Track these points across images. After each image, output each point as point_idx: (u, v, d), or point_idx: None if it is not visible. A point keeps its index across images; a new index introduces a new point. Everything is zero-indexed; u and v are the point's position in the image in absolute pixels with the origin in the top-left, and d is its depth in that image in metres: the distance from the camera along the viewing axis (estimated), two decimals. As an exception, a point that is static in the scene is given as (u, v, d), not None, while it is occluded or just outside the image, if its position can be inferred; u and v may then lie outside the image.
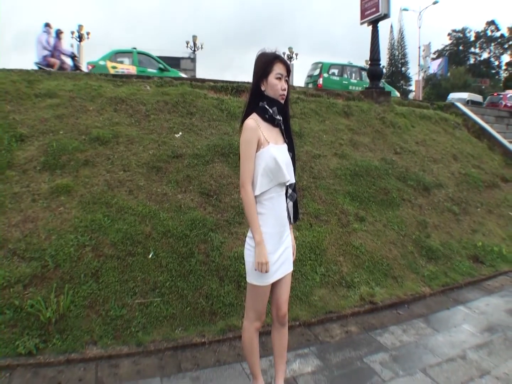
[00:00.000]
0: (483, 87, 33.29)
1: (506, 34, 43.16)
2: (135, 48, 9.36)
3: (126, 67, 8.29)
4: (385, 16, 6.40)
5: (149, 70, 8.46)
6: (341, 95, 5.82)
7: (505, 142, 6.18)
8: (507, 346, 2.25)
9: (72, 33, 16.80)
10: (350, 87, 9.68)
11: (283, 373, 1.71)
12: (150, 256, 2.54)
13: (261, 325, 1.61)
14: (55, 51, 6.95)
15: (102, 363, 1.98)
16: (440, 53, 44.57)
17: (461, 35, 46.89)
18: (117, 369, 1.94)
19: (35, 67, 6.45)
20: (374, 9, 6.43)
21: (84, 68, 7.53)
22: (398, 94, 10.21)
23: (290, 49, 19.99)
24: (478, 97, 19.92)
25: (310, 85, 9.81)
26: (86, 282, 2.31)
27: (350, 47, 71.45)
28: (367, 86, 10.46)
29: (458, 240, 3.71)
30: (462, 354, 2.16)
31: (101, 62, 8.19)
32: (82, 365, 1.96)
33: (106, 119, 3.60)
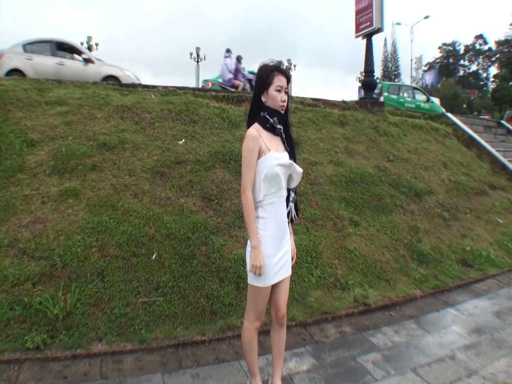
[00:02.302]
0: (472, 98, 34.00)
1: (494, 47, 44.33)
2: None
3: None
4: (379, 30, 6.60)
5: None
6: (337, 105, 5.98)
7: (493, 151, 6.34)
8: (493, 347, 2.30)
9: (82, 44, 16.97)
10: (406, 104, 10.58)
11: (280, 372, 1.75)
12: (153, 257, 2.62)
13: (260, 325, 1.65)
14: (238, 73, 7.64)
15: (107, 359, 2.03)
16: (431, 65, 45.52)
17: (451, 48, 48.08)
18: (120, 365, 2.00)
19: (219, 88, 7.18)
20: (368, 23, 6.65)
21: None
22: (443, 110, 10.85)
23: (288, 60, 20.29)
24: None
25: None
26: (92, 281, 2.38)
27: (346, 59, 72.86)
28: (419, 103, 10.86)
29: (448, 245, 3.81)
30: (451, 354, 2.21)
31: (220, 80, 8.82)
32: (87, 360, 2.02)
33: (113, 126, 3.68)
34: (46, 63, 6.12)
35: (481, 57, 46.82)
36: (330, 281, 2.92)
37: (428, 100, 11.41)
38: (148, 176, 3.23)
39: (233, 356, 2.13)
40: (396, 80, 42.45)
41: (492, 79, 44.07)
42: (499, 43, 42.69)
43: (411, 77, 28.50)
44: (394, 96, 10.85)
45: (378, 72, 42.28)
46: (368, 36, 6.69)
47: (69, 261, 2.44)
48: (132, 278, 2.48)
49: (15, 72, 5.74)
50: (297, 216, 1.73)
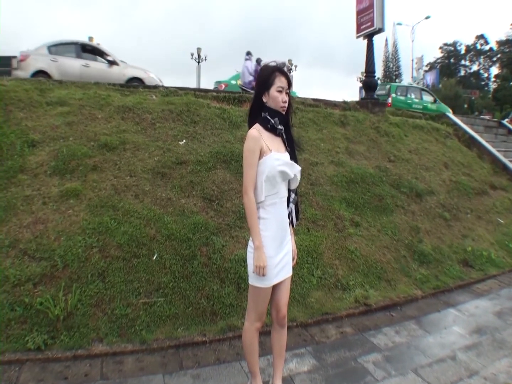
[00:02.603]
0: (473, 98, 33.99)
1: (495, 47, 44.39)
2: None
3: None
4: (380, 30, 6.61)
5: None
6: (337, 106, 5.98)
7: (493, 151, 6.34)
8: (495, 347, 2.31)
9: None
10: (413, 105, 10.68)
11: (281, 372, 1.76)
12: (154, 258, 2.62)
13: (261, 325, 1.66)
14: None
15: (107, 360, 2.04)
16: (432, 66, 45.52)
17: (452, 49, 48.13)
18: (121, 366, 2.00)
19: (239, 90, 7.36)
20: (369, 24, 6.66)
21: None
22: (450, 111, 10.96)
23: (289, 61, 20.29)
24: None
25: None
26: (93, 282, 2.38)
27: (347, 59, 72.85)
28: (426, 104, 10.98)
29: (449, 245, 3.82)
30: (452, 355, 2.22)
31: (233, 81, 9.06)
32: (88, 361, 2.02)
33: (113, 127, 3.69)
34: (72, 65, 6.18)
35: (482, 57, 46.85)
36: (331, 282, 2.93)
37: (435, 101, 11.53)
38: (149, 176, 3.24)
39: (234, 357, 2.13)
40: (397, 80, 42.48)
41: (493, 79, 44.13)
42: (500, 43, 42.72)
43: (412, 77, 28.47)
44: (402, 98, 11.02)
45: (379, 73, 42.39)
46: (369, 37, 6.69)
47: (70, 261, 2.44)
48: (133, 279, 2.48)
49: (40, 73, 5.78)
50: (298, 219, 1.74)
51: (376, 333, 2.47)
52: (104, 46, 6.92)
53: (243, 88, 7.76)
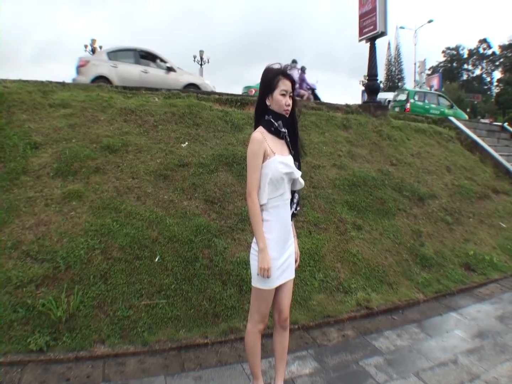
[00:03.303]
0: (476, 102, 34.02)
1: (497, 51, 44.50)
2: None
3: None
4: (382, 34, 6.61)
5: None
6: (340, 109, 5.99)
7: (496, 155, 6.31)
8: (496, 352, 2.30)
9: (85, 46, 17.00)
10: (431, 111, 10.80)
11: (283, 375, 1.76)
12: (156, 260, 2.63)
13: (264, 328, 1.66)
14: (302, 83, 7.90)
15: (109, 361, 2.04)
16: (434, 69, 45.61)
17: (455, 52, 48.31)
18: (123, 367, 2.00)
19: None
20: (371, 27, 6.67)
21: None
22: (466, 117, 11.01)
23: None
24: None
25: (397, 109, 10.81)
26: (95, 284, 2.39)
27: (350, 62, 73.01)
28: (443, 109, 11.09)
29: (451, 249, 3.80)
30: (453, 358, 2.21)
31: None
32: (90, 362, 2.02)
33: (116, 129, 3.71)
34: (131, 71, 6.24)
35: (485, 61, 46.97)
36: (332, 285, 2.92)
37: (452, 106, 11.60)
38: (151, 178, 3.25)
39: (235, 359, 2.13)
40: (399, 84, 42.56)
41: (495, 84, 44.19)
42: (503, 48, 42.79)
43: (414, 80, 28.44)
44: (420, 103, 11.14)
45: (381, 76, 42.49)
46: (372, 40, 6.70)
47: (72, 263, 2.45)
48: (135, 281, 2.49)
49: (100, 79, 5.83)
50: (300, 208, 1.74)
51: (378, 336, 2.47)
52: (160, 53, 6.95)
53: None
